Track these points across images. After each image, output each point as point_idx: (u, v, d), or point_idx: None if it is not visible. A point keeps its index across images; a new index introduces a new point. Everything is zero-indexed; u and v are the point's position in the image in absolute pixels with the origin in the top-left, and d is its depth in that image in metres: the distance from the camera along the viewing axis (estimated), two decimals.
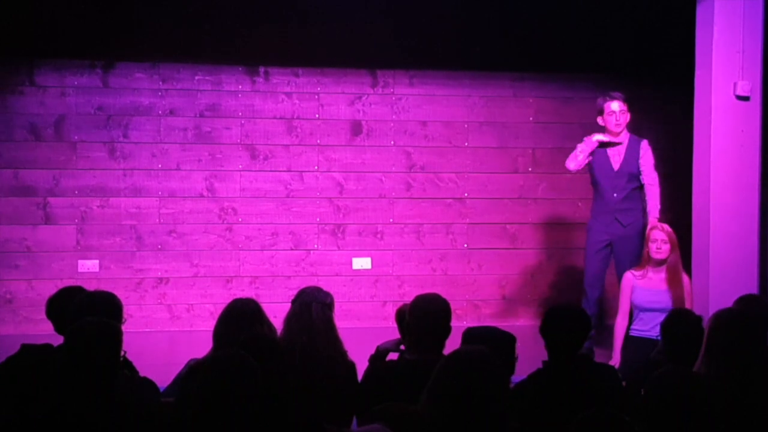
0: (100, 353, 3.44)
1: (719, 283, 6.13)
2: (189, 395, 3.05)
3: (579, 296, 6.78)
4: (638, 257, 6.31)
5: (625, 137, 6.61)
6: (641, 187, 6.58)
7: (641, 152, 6.57)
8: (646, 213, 6.55)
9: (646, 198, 6.55)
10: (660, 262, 5.99)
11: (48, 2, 7.47)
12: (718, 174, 6.23)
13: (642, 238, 6.31)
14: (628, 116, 6.60)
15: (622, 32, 8.13)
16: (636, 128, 6.93)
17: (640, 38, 8.15)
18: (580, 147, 6.70)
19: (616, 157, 6.61)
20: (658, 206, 6.48)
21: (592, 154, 6.65)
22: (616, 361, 5.91)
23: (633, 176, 6.57)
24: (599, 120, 6.64)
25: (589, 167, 6.72)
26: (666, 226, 6.06)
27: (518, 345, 4.00)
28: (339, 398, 4.04)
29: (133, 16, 7.59)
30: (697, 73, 6.39)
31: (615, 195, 6.59)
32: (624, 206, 6.57)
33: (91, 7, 7.52)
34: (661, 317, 4.46)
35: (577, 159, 6.69)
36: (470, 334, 3.95)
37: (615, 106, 6.55)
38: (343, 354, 4.24)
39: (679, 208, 7.02)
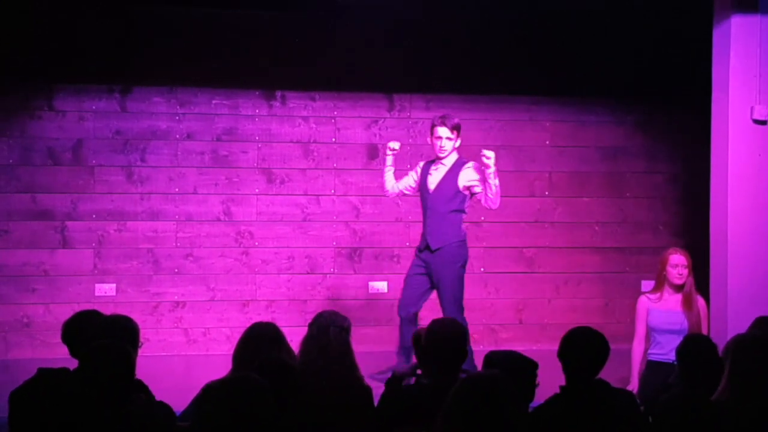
0: (110, 375, 3.45)
1: (738, 306, 6.08)
2: (203, 418, 3.04)
3: (597, 320, 6.72)
4: (454, 283, 6.19)
5: (450, 160, 6.36)
6: (460, 211, 6.32)
7: (461, 174, 6.29)
8: (462, 242, 6.29)
9: (486, 199, 6.23)
10: (679, 287, 5.96)
11: (66, 28, 7.55)
12: (736, 198, 6.19)
13: (455, 264, 6.21)
14: (456, 142, 6.32)
15: (637, 56, 8.13)
16: (651, 152, 6.94)
17: (656, 62, 8.15)
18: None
19: (435, 178, 6.38)
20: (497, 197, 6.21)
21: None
22: (634, 386, 5.88)
23: (450, 198, 6.29)
24: (428, 139, 6.47)
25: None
26: (684, 250, 6.05)
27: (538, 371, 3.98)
28: (355, 423, 4.02)
29: (151, 41, 7.67)
30: (714, 97, 6.36)
31: (429, 217, 6.36)
32: (435, 230, 6.30)
33: (109, 32, 7.60)
34: (678, 339, 4.45)
35: (384, 175, 6.64)
36: (491, 359, 3.93)
37: (441, 131, 6.27)
38: (359, 378, 4.23)
39: (696, 233, 6.99)
